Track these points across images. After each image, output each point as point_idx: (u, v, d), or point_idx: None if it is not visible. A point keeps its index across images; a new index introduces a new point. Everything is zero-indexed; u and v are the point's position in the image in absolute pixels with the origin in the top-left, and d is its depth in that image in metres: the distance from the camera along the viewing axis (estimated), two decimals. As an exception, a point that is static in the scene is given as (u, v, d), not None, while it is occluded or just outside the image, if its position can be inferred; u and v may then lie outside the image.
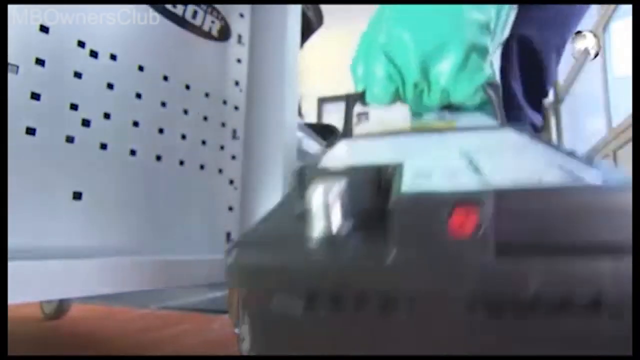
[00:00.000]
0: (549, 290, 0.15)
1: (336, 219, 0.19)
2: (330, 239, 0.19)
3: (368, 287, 0.17)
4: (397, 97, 0.39)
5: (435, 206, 0.16)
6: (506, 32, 0.43)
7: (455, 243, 0.15)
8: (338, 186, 0.19)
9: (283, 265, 0.18)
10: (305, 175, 0.24)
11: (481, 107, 0.40)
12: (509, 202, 0.16)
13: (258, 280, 0.19)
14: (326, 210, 0.19)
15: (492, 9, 0.36)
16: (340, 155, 0.29)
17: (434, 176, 0.19)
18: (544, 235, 0.16)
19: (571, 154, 0.21)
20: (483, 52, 0.35)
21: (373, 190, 0.21)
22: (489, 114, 0.37)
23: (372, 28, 0.39)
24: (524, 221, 0.16)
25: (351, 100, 0.40)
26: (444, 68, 0.34)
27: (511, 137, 0.27)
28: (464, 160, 0.22)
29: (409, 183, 0.18)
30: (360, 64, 0.39)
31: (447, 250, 0.16)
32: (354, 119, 0.36)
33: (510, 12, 0.43)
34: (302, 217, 0.20)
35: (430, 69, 0.35)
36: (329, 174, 0.23)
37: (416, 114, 0.44)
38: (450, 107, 0.42)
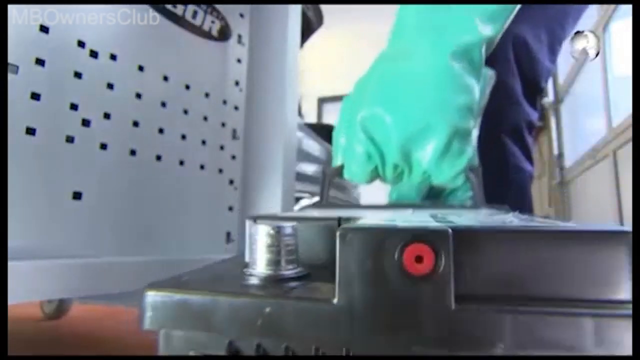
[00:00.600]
0: (516, 348, 0.13)
1: (280, 258, 0.17)
2: (269, 279, 0.17)
3: (302, 334, 0.14)
4: (376, 175, 0.38)
5: (387, 239, 0.14)
6: (484, 102, 0.42)
7: (408, 282, 0.14)
8: (288, 225, 0.17)
9: (208, 304, 0.16)
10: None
11: (463, 195, 0.40)
12: (476, 240, 0.15)
13: (180, 321, 0.16)
14: (271, 248, 0.17)
15: (476, 90, 0.35)
16: (306, 212, 0.28)
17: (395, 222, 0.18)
18: (512, 281, 0.14)
19: (547, 218, 0.20)
20: (465, 136, 0.34)
21: (328, 238, 0.20)
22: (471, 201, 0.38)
23: (355, 94, 0.37)
24: (490, 263, 0.14)
25: (328, 174, 0.39)
26: (426, 152, 0.34)
27: (483, 211, 0.27)
28: (428, 217, 0.21)
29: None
30: (342, 135, 0.37)
31: (398, 291, 0.14)
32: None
33: (487, 83, 0.42)
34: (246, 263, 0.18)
35: (412, 152, 0.34)
36: (282, 218, 0.22)
37: (396, 203, 0.43)
38: (431, 196, 0.42)
